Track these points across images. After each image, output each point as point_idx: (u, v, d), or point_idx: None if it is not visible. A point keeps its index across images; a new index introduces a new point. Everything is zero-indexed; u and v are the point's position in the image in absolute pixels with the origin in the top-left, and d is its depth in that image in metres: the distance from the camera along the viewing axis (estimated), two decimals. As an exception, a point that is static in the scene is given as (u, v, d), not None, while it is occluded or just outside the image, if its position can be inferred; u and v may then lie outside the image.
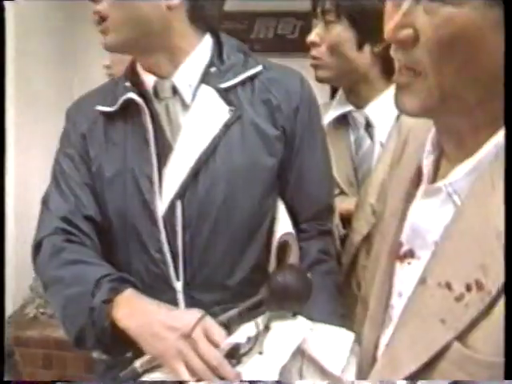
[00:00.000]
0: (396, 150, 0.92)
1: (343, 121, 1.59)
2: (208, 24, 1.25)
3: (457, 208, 0.69)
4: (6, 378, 1.09)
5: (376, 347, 0.81)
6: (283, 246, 1.22)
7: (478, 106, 0.66)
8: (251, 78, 1.22)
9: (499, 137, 0.66)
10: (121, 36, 1.15)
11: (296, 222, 1.27)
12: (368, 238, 1.40)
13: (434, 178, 0.76)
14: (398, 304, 0.77)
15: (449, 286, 0.65)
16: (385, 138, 1.49)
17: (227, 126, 1.18)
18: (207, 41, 1.24)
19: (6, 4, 1.18)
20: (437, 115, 0.72)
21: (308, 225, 1.29)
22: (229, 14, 3.78)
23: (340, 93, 1.63)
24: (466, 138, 0.70)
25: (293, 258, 1.23)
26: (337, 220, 1.48)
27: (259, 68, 1.23)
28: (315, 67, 1.53)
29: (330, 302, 1.26)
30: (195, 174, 1.17)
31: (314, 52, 1.53)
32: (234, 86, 1.21)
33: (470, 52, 0.62)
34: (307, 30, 3.57)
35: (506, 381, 0.56)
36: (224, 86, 1.20)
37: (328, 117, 1.59)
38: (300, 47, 3.69)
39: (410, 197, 0.79)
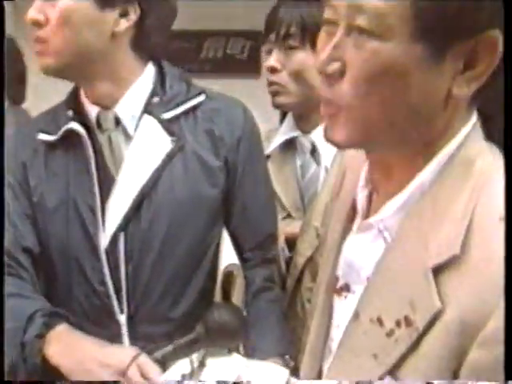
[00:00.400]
0: (336, 182, 0.94)
1: (290, 146, 1.59)
2: (152, 53, 1.24)
3: (387, 244, 0.71)
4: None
5: (320, 377, 0.82)
6: (229, 277, 1.23)
7: (403, 140, 0.69)
8: (194, 108, 1.22)
9: (424, 174, 0.68)
10: (61, 60, 1.13)
11: (240, 251, 1.28)
12: (312, 260, 1.43)
13: (368, 212, 0.78)
14: (336, 336, 0.78)
15: (380, 322, 0.67)
16: (330, 163, 1.50)
17: (169, 157, 1.18)
18: (150, 70, 1.24)
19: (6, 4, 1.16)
20: (364, 148, 0.74)
21: (252, 253, 1.30)
22: (177, 34, 3.77)
23: (289, 118, 1.63)
24: (394, 173, 0.72)
25: (238, 288, 1.23)
26: (282, 243, 1.50)
27: (202, 98, 1.23)
28: (274, 93, 1.51)
29: (277, 329, 1.27)
30: (137, 206, 1.17)
31: (273, 78, 1.50)
32: (177, 117, 1.21)
33: (394, 87, 0.64)
34: (256, 50, 3.63)
35: (507, 381, 0.58)
36: (166, 116, 1.20)
37: (275, 141, 1.60)
38: (249, 68, 3.74)
39: (346, 231, 0.81)
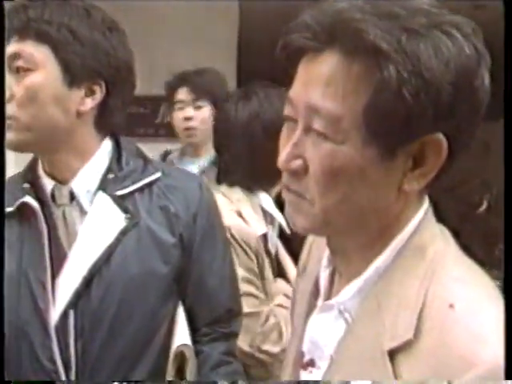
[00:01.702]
0: (302, 259, 0.97)
1: None
2: (112, 130, 1.25)
3: (347, 325, 0.74)
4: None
5: None
6: (182, 356, 1.21)
7: (360, 229, 0.73)
8: (149, 185, 1.23)
9: (381, 259, 0.72)
10: (24, 136, 1.13)
11: (197, 326, 1.27)
12: None
13: (330, 291, 0.81)
14: None
15: None
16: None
17: (123, 234, 1.17)
18: (106, 145, 1.24)
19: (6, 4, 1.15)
20: (323, 234, 0.80)
21: (209, 328, 1.29)
22: (133, 98, 3.80)
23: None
24: (352, 257, 0.76)
25: (190, 369, 1.21)
26: None
27: (158, 175, 1.24)
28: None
29: None
30: (88, 282, 1.15)
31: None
32: (132, 193, 1.21)
33: (350, 185, 0.69)
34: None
35: (506, 381, 0.61)
36: (120, 193, 1.20)
37: None
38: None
39: (310, 308, 0.84)
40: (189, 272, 1.25)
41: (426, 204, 0.76)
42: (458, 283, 0.68)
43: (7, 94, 1.11)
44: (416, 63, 0.63)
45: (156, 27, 3.57)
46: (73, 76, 1.13)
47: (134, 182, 1.21)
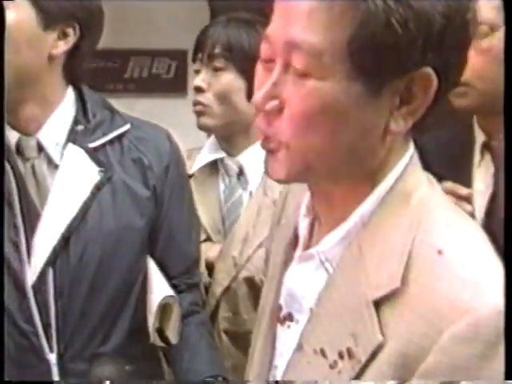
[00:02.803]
0: (276, 209, 0.94)
1: (213, 167, 1.56)
2: (77, 76, 1.21)
3: (329, 275, 0.71)
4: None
5: None
6: (164, 308, 1.21)
7: (343, 174, 0.70)
8: (119, 137, 1.20)
9: (366, 206, 0.69)
10: None
11: (167, 278, 1.26)
12: (229, 290, 1.45)
13: (310, 241, 0.78)
14: (280, 365, 0.78)
15: (323, 354, 0.68)
16: (255, 188, 1.48)
17: (97, 189, 1.15)
18: (70, 95, 1.19)
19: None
20: (304, 181, 0.75)
21: (178, 280, 1.30)
22: (101, 52, 3.70)
23: (212, 138, 1.60)
24: (335, 204, 0.73)
25: (175, 318, 1.21)
26: (202, 268, 1.48)
27: (127, 126, 1.21)
28: (199, 113, 1.49)
29: (211, 350, 1.28)
30: (66, 240, 1.12)
31: (199, 98, 1.48)
32: (103, 145, 1.18)
33: (333, 124, 0.65)
34: (183, 69, 3.60)
35: (507, 381, 0.59)
36: (93, 145, 1.16)
37: (199, 162, 1.57)
38: (175, 88, 3.70)
39: (288, 259, 0.80)
40: (160, 225, 1.24)
41: (411, 149, 0.72)
42: (446, 228, 0.66)
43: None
44: None
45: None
46: (48, 17, 1.08)
47: (104, 134, 1.18)
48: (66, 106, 1.18)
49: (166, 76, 3.74)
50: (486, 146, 1.29)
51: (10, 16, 1.04)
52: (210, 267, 1.49)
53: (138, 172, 1.19)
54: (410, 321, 0.62)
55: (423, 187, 0.70)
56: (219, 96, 1.45)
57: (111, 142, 1.18)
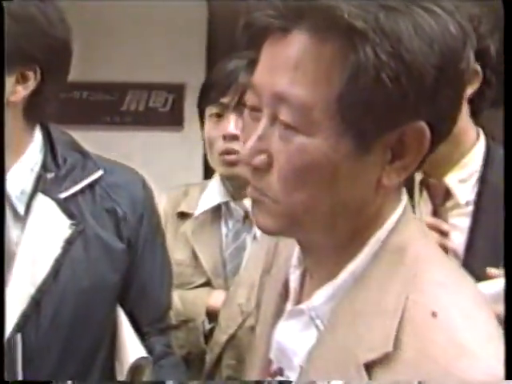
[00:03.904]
0: (268, 256, 0.90)
1: (216, 210, 1.52)
2: (42, 120, 1.12)
3: (319, 333, 0.68)
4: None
5: None
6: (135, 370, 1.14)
7: (331, 230, 0.67)
8: (91, 185, 1.11)
9: (357, 262, 0.66)
10: None
11: (138, 327, 1.19)
12: (234, 338, 1.41)
13: (301, 294, 0.75)
14: None
15: None
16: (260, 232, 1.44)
17: (69, 243, 1.05)
18: (37, 139, 1.10)
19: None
20: (291, 236, 0.72)
21: (150, 327, 1.24)
22: (99, 85, 3.74)
23: (215, 180, 1.56)
24: (324, 258, 0.70)
25: (146, 378, 1.15)
26: (203, 316, 1.44)
27: (100, 173, 1.12)
28: (233, 163, 1.42)
29: None
30: (37, 302, 1.03)
31: (234, 146, 1.40)
32: (74, 195, 1.08)
33: (322, 181, 0.63)
34: (179, 103, 3.61)
35: (507, 381, 0.57)
36: (64, 195, 1.07)
37: (202, 205, 1.53)
38: (172, 120, 3.71)
39: (278, 312, 0.77)
40: (132, 276, 1.17)
41: (405, 199, 0.70)
42: (441, 288, 0.62)
43: None
44: (396, 44, 0.57)
45: (128, 12, 3.49)
46: (5, 61, 0.97)
47: (75, 182, 1.08)
48: (33, 150, 1.08)
49: (162, 109, 3.75)
50: (423, 183, 1.28)
51: None
52: (212, 314, 1.44)
53: (111, 223, 1.11)
54: None
55: (418, 240, 0.67)
56: None
57: (82, 190, 1.09)
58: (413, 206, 1.23)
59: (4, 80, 0.97)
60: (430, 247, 0.67)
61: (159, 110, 3.75)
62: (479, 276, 0.93)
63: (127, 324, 1.17)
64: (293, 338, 0.71)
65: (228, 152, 1.42)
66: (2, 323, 0.96)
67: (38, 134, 1.10)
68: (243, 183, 1.45)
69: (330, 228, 0.67)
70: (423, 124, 0.61)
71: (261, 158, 0.64)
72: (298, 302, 0.74)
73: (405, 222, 0.67)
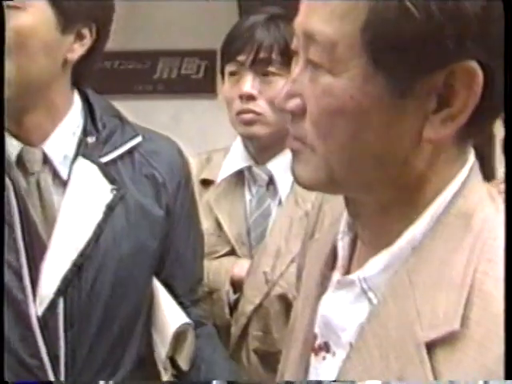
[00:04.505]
0: (311, 219, 0.85)
1: (239, 175, 1.49)
2: (86, 83, 1.12)
3: (373, 307, 0.61)
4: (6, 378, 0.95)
5: None
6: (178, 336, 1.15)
7: (373, 186, 0.61)
8: (130, 151, 1.11)
9: (416, 228, 0.60)
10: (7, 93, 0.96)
11: (173, 298, 1.19)
12: (260, 307, 1.37)
13: (350, 263, 0.69)
14: None
15: None
16: (285, 197, 1.42)
17: (110, 209, 1.05)
18: (77, 102, 1.10)
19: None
20: (331, 191, 0.67)
21: (183, 298, 1.23)
22: (130, 54, 3.73)
23: (237, 144, 1.52)
24: (374, 222, 0.64)
25: (188, 345, 1.16)
26: (227, 286, 1.41)
27: (139, 139, 1.12)
28: (250, 122, 1.39)
29: (226, 360, 1.24)
30: (78, 267, 1.03)
31: (250, 106, 1.38)
32: (114, 161, 1.08)
33: (352, 127, 0.57)
34: (212, 69, 3.58)
35: (507, 381, 0.51)
36: (104, 160, 1.07)
37: (224, 171, 1.50)
38: (205, 87, 3.68)
39: (324, 282, 0.71)
40: (169, 245, 1.17)
41: (471, 159, 0.62)
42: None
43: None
44: None
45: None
46: (67, 19, 0.98)
47: (115, 148, 1.09)
48: (74, 114, 1.08)
49: (195, 76, 3.72)
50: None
51: (25, 19, 0.95)
52: (236, 284, 1.42)
53: (151, 189, 1.12)
54: (470, 370, 0.52)
55: (486, 206, 0.60)
56: (273, 103, 1.33)
57: (122, 156, 1.10)
58: (492, 169, 1.19)
59: (4, 79, 0.94)
60: (499, 214, 0.59)
61: (192, 76, 3.72)
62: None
63: (165, 293, 1.17)
64: (341, 312, 0.65)
65: (245, 112, 1.39)
66: (1, 323, 0.95)
67: (77, 98, 1.11)
68: (264, 144, 1.45)
69: (371, 185, 0.61)
70: (473, 63, 0.53)
71: (295, 102, 0.61)
72: (348, 271, 0.68)
73: (472, 186, 0.61)
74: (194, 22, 3.52)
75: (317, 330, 0.70)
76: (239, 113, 1.40)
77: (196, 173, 1.51)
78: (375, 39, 0.53)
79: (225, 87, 1.45)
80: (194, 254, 1.25)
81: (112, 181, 1.07)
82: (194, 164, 1.52)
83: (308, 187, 0.65)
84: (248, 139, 1.46)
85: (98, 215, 1.05)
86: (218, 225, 1.45)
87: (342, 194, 0.67)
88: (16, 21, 0.94)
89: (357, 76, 0.55)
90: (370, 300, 0.62)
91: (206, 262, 1.37)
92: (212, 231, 1.46)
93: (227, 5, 3.56)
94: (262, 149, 1.44)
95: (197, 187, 1.47)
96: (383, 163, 0.59)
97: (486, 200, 0.60)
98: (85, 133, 1.08)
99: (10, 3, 0.93)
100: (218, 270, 1.43)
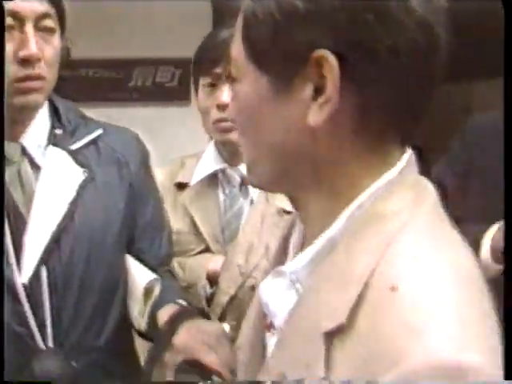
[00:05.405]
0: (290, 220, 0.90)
1: (212, 177, 1.56)
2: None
3: (298, 297, 0.66)
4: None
5: None
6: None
7: (294, 183, 0.68)
8: (94, 141, 1.27)
9: (335, 227, 0.64)
10: (43, 99, 1.20)
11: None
12: (235, 299, 1.44)
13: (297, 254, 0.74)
14: None
15: (285, 378, 0.63)
16: (256, 196, 1.49)
17: (82, 188, 1.21)
18: (45, 103, 1.25)
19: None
20: (277, 191, 0.78)
21: (155, 272, 1.33)
22: (105, 62, 3.74)
23: (210, 148, 1.59)
24: (306, 217, 0.70)
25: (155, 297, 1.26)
26: (203, 280, 1.48)
27: (100, 131, 1.28)
28: (228, 130, 1.46)
29: (181, 292, 1.35)
30: (57, 238, 1.17)
31: (224, 115, 1.45)
32: (81, 148, 1.24)
33: (253, 125, 0.67)
34: (186, 77, 3.60)
35: (506, 381, 0.54)
36: (73, 147, 1.23)
37: (198, 174, 1.57)
38: (179, 95, 3.71)
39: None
40: (135, 219, 1.31)
41: (401, 162, 0.65)
42: (412, 261, 0.57)
43: (32, 52, 1.10)
44: None
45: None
46: (4, 61, 1.12)
47: (81, 138, 1.25)
48: (44, 111, 1.25)
49: (169, 84, 3.75)
50: None
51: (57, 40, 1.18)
52: (212, 278, 1.49)
53: (116, 170, 1.28)
54: (354, 362, 0.55)
55: (407, 210, 0.62)
56: None
57: (87, 145, 1.26)
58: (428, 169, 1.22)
59: (4, 80, 1.08)
60: (419, 216, 0.62)
61: (166, 85, 3.75)
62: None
63: (134, 262, 1.30)
64: (275, 299, 0.70)
65: (223, 120, 1.46)
66: (1, 323, 1.05)
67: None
68: (237, 148, 1.52)
69: (292, 182, 0.68)
70: (324, 51, 0.59)
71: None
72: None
73: (395, 189, 0.63)
74: (169, 30, 3.55)
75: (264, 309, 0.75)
76: (217, 121, 1.48)
77: (170, 178, 1.59)
78: (249, 49, 0.65)
79: (200, 97, 1.52)
80: (159, 227, 1.38)
81: (82, 165, 1.23)
82: (167, 170, 1.63)
83: (259, 188, 0.76)
84: (223, 145, 1.51)
85: (71, 194, 1.20)
86: (194, 224, 1.53)
87: (276, 192, 0.77)
88: (55, 40, 1.17)
89: (250, 80, 0.66)
90: (297, 290, 0.67)
91: (183, 260, 1.45)
92: (187, 230, 1.54)
93: (202, 13, 3.60)
94: (235, 152, 1.51)
95: (172, 191, 1.57)
96: (287, 156, 0.66)
97: (408, 205, 0.62)
98: (53, 127, 1.25)
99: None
100: (194, 267, 1.49)
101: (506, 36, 0.62)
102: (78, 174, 1.21)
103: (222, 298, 1.45)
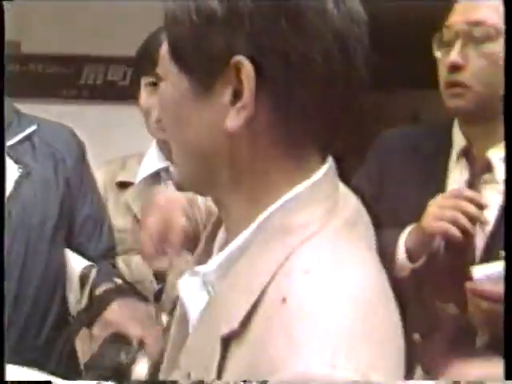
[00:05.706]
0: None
1: (155, 176, 1.56)
2: None
3: (209, 299, 0.66)
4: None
5: None
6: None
7: (207, 184, 0.68)
8: (29, 137, 1.29)
9: (244, 234, 0.64)
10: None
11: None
12: None
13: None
14: None
15: (189, 377, 0.63)
16: None
17: (18, 184, 1.23)
18: None
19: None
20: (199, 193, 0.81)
21: (96, 263, 1.36)
22: (55, 58, 3.67)
23: (153, 148, 1.60)
24: (225, 221, 0.71)
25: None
26: (150, 277, 1.48)
27: (34, 127, 1.30)
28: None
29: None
30: None
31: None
32: (15, 145, 1.26)
33: (176, 125, 0.68)
34: (138, 76, 3.57)
35: (507, 381, 0.55)
36: (8, 144, 1.23)
37: (142, 172, 1.57)
38: (131, 94, 3.67)
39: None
40: (73, 213, 1.33)
41: (319, 174, 0.64)
42: (304, 275, 0.57)
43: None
44: None
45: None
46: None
47: (15, 134, 1.26)
48: None
49: (121, 83, 3.71)
50: (464, 152, 1.29)
51: None
52: (158, 275, 1.47)
53: (52, 165, 1.30)
54: (244, 369, 0.56)
55: (316, 223, 0.61)
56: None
57: (21, 141, 1.27)
58: (446, 171, 1.27)
59: (4, 81, 1.11)
60: (327, 232, 0.61)
61: (118, 83, 3.71)
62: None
63: (74, 256, 1.32)
64: (190, 297, 0.70)
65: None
66: (1, 324, 1.04)
67: None
68: (163, 147, 1.53)
69: (202, 182, 0.69)
70: (240, 57, 0.59)
71: None
72: None
73: (308, 201, 0.63)
74: (121, 28, 3.52)
75: None
76: (158, 121, 1.46)
77: (111, 176, 1.59)
78: (171, 49, 0.65)
79: (143, 97, 1.51)
80: (99, 221, 1.41)
81: (17, 161, 1.24)
82: (107, 169, 1.61)
83: (176, 187, 0.76)
84: (165, 144, 1.51)
85: (8, 190, 1.20)
86: (137, 222, 1.51)
87: (198, 193, 0.79)
88: None
89: (173, 81, 0.66)
90: (209, 292, 0.67)
91: (128, 257, 1.44)
92: (131, 228, 1.53)
93: (154, 12, 3.57)
94: (168, 150, 1.50)
95: (114, 190, 1.57)
96: (205, 158, 0.66)
97: (319, 218, 0.62)
98: None
99: None
100: (140, 264, 1.48)
101: (506, 36, 0.63)
102: (14, 171, 1.23)
103: (170, 293, 1.45)
